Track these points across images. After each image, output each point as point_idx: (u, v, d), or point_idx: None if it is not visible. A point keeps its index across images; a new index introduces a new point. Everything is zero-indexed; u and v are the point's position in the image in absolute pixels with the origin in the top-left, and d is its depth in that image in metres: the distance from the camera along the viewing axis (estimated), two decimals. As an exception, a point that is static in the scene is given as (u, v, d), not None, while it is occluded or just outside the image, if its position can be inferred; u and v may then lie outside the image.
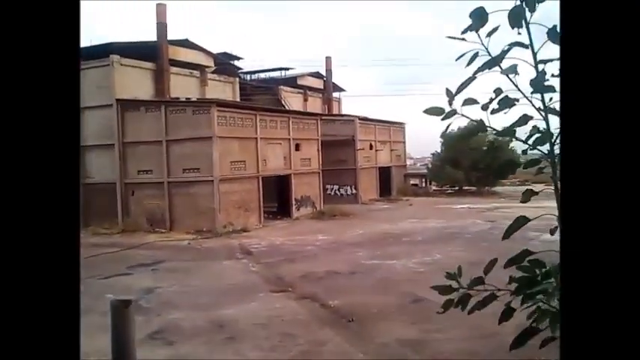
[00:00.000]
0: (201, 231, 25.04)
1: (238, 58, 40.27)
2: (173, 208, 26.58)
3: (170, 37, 30.32)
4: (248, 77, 43.96)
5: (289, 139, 31.18)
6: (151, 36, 29.92)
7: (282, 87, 42.26)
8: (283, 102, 40.44)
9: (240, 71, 39.45)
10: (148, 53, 29.18)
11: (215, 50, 34.93)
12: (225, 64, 36.06)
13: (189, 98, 28.69)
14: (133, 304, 4.58)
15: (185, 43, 31.82)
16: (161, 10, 29.85)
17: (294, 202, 31.62)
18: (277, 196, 32.34)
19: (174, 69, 30.80)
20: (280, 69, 46.42)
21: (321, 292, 13.68)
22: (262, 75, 46.36)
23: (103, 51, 27.64)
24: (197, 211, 25.88)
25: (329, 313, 12.08)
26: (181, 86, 30.96)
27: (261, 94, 40.16)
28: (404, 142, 50.59)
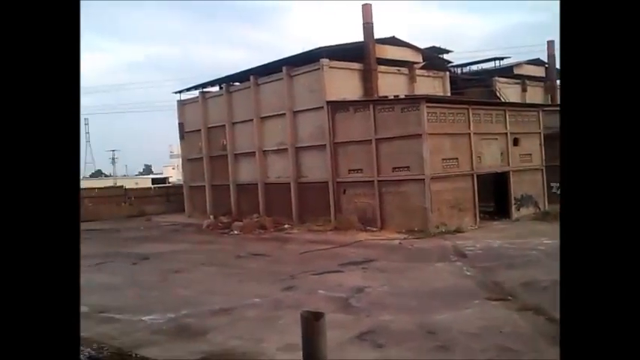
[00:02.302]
0: (413, 230, 24.47)
1: (447, 52, 38.93)
2: (384, 207, 26.45)
3: (376, 36, 30.36)
4: (459, 70, 42.31)
5: (506, 133, 28.93)
6: (357, 36, 30.37)
7: (496, 78, 39.86)
8: (498, 94, 38.12)
9: (449, 65, 38.06)
10: (356, 54, 29.60)
11: (423, 45, 34.20)
12: (433, 58, 35.10)
13: (397, 96, 28.39)
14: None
15: (392, 41, 31.63)
16: (367, 10, 30.06)
17: (513, 202, 29.20)
18: (494, 195, 30.22)
19: (381, 67, 30.77)
20: (494, 59, 43.91)
21: (547, 304, 11.80)
22: (474, 67, 44.34)
23: (313, 56, 28.78)
24: (408, 210, 25.38)
25: (557, 329, 10.45)
26: (389, 84, 30.83)
27: (474, 87, 38.29)
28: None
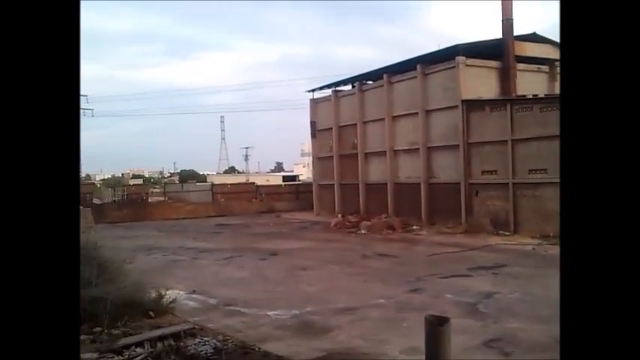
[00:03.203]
0: (548, 236, 23.30)
1: (594, 47, 36.53)
2: (518, 211, 25.53)
3: (516, 32, 29.31)
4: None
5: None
6: (496, 33, 29.44)
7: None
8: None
9: (596, 61, 35.71)
10: (493, 52, 28.78)
11: (567, 41, 32.34)
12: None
13: (536, 95, 27.16)
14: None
15: (532, 38, 30.35)
16: (506, 5, 29.09)
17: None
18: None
19: (520, 65, 29.65)
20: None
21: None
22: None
23: (449, 53, 28.34)
24: (544, 215, 24.22)
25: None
26: (528, 82, 29.60)
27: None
28: None
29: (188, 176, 77.12)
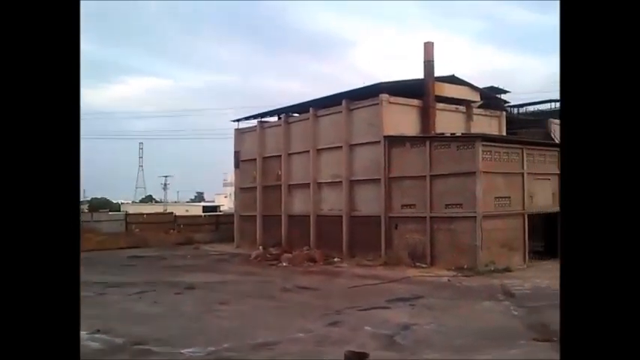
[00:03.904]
0: (462, 268, 24.30)
1: (505, 92, 38.82)
2: (434, 244, 26.43)
3: (436, 73, 30.74)
4: (515, 111, 42.02)
5: (558, 174, 28.60)
6: (418, 73, 30.78)
7: (551, 119, 39.32)
8: (553, 135, 37.54)
9: (506, 105, 37.93)
10: (415, 91, 30.02)
11: (481, 85, 34.27)
12: (491, 98, 35.06)
13: (454, 133, 28.50)
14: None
15: (451, 79, 31.94)
16: (428, 48, 30.51)
17: (565, 243, 28.78)
18: (544, 235, 29.76)
19: (439, 105, 31.06)
20: (549, 101, 43.31)
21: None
22: (530, 108, 43.95)
23: (373, 90, 29.30)
24: (458, 248, 25.29)
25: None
26: (447, 121, 31.01)
27: (529, 128, 37.90)
28: None
29: (99, 205, 73.09)
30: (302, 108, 35.53)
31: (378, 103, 29.25)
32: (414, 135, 29.14)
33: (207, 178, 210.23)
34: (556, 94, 43.62)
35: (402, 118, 29.66)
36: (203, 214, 55.85)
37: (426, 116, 30.25)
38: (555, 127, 38.48)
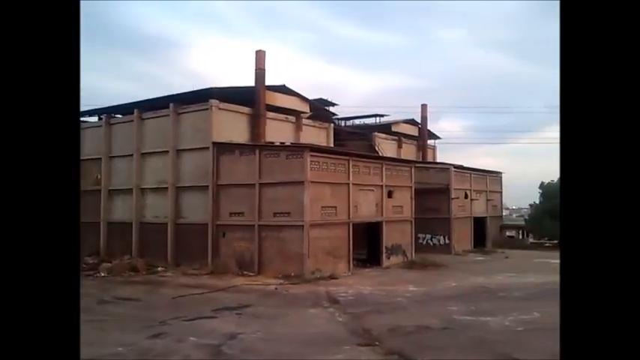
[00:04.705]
0: (289, 276, 24.59)
1: (333, 104, 40.48)
2: (262, 252, 26.43)
3: (268, 82, 30.91)
4: (342, 123, 44.06)
5: (382, 185, 30.51)
6: (249, 81, 30.69)
7: (376, 133, 41.94)
8: (377, 148, 39.98)
9: (334, 117, 39.60)
10: (246, 98, 29.87)
11: (311, 96, 35.25)
12: (320, 110, 36.24)
13: (283, 143, 28.87)
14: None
15: (282, 89, 32.34)
16: (260, 56, 30.62)
17: (384, 251, 30.64)
18: (367, 244, 31.46)
19: (270, 114, 31.28)
20: (374, 115, 46.27)
21: (410, 348, 12.61)
22: (357, 121, 46.44)
23: (203, 95, 28.57)
24: (286, 256, 25.55)
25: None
26: (276, 130, 31.34)
27: (355, 140, 39.97)
28: (500, 192, 48.56)
29: None
30: (126, 109, 33.50)
31: (207, 109, 28.59)
32: (243, 142, 28.96)
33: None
34: (380, 109, 46.61)
35: (231, 125, 29.33)
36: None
37: (256, 124, 30.28)
38: (379, 141, 41.06)
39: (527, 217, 50.01)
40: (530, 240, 47.66)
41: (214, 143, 28.17)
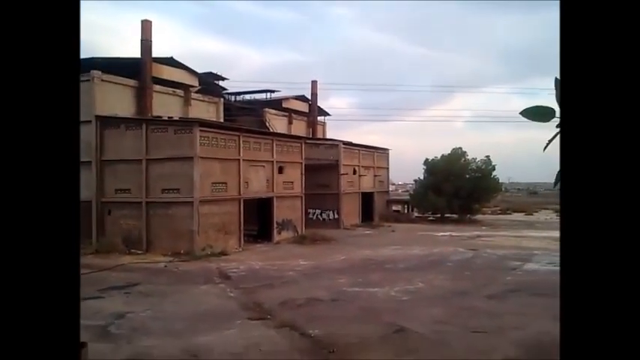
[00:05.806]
0: (179, 253, 24.30)
1: (223, 79, 39.90)
2: (150, 229, 25.82)
3: (155, 54, 29.87)
4: (233, 98, 43.54)
5: (272, 161, 30.72)
6: (135, 53, 29.48)
7: (266, 109, 41.92)
8: (268, 124, 40.03)
9: (224, 92, 39.04)
10: (131, 70, 28.68)
11: (200, 70, 34.52)
12: (209, 84, 35.63)
13: (171, 117, 28.17)
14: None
15: (170, 62, 31.41)
16: (146, 26, 29.47)
17: (275, 226, 31.05)
18: (258, 219, 31.69)
19: (157, 87, 30.30)
20: (265, 91, 46.14)
21: (301, 320, 13.11)
22: (247, 96, 46.02)
23: (85, 65, 26.98)
24: (175, 233, 25.17)
25: (309, 342, 11.52)
26: (164, 105, 30.47)
27: (246, 116, 39.73)
28: (387, 168, 50.48)
29: None
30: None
31: (89, 80, 26.98)
32: (129, 116, 27.89)
33: None
34: (271, 85, 46.50)
35: (116, 98, 28.08)
36: None
37: (142, 97, 29.23)
38: (270, 117, 41.07)
39: (412, 192, 52.31)
40: (415, 214, 50.16)
41: (97, 117, 26.83)
